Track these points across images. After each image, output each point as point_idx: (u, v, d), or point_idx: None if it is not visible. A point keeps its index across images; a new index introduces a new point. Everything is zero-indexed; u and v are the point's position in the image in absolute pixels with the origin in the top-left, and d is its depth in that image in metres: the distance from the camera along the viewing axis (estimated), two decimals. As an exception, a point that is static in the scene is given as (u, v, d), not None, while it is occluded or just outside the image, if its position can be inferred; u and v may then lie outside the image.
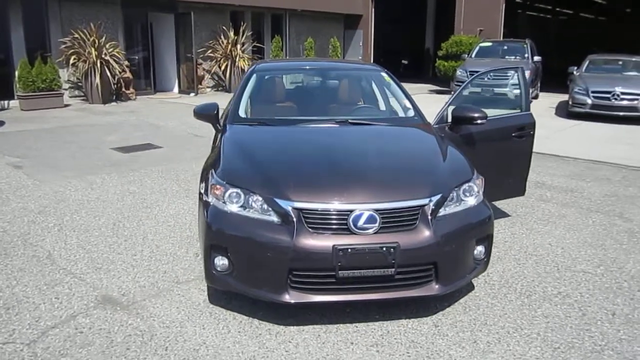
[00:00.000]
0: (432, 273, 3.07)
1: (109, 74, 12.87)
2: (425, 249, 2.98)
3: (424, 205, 3.06)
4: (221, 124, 4.19)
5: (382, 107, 4.60)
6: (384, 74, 4.83)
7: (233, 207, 3.09)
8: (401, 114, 4.39)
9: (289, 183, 3.09)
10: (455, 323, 3.21)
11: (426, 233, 3.00)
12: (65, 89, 13.02)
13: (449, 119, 4.41)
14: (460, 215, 3.17)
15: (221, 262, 3.10)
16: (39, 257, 4.09)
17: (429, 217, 3.04)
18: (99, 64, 12.66)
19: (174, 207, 5.39)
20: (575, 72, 12.55)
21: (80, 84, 13.40)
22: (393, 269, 2.94)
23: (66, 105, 12.56)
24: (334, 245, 2.88)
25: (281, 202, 2.99)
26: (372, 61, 20.63)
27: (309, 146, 3.70)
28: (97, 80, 12.72)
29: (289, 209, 2.97)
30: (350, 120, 4.05)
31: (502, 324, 3.21)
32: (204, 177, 3.44)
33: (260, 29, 17.70)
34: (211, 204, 3.18)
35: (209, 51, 15.93)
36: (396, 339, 3.03)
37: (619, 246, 4.51)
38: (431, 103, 11.66)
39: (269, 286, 2.99)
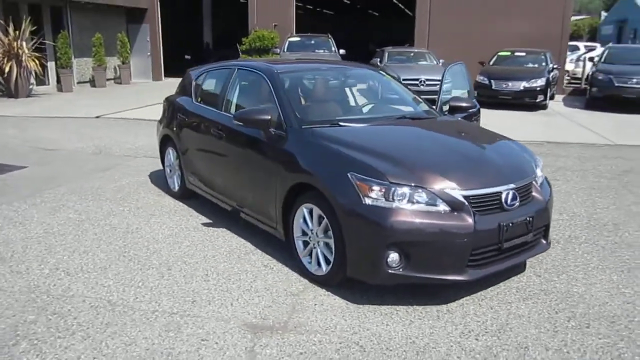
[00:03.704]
0: (542, 233, 3.75)
1: None
2: (544, 214, 3.65)
3: (533, 180, 3.70)
4: (274, 129, 4.01)
5: (404, 102, 4.99)
6: (382, 72, 5.22)
7: (402, 204, 3.21)
8: (415, 107, 4.85)
9: (452, 176, 3.36)
10: (547, 270, 3.96)
11: (542, 201, 3.66)
12: None
13: (444, 109, 5.09)
14: (543, 185, 3.91)
15: (394, 258, 3.22)
16: (105, 307, 3.38)
17: (539, 188, 3.71)
18: None
19: (159, 227, 4.83)
20: (379, 63, 14.44)
21: None
22: (531, 234, 3.53)
23: None
24: (499, 223, 3.31)
25: (452, 193, 3.27)
26: (162, 57, 19.79)
27: (422, 142, 4.00)
28: None
29: (459, 197, 3.26)
30: (407, 117, 4.42)
31: (575, 264, 4.09)
32: (340, 182, 3.39)
33: (40, 24, 15.31)
34: (370, 204, 3.23)
35: (-15, 50, 13.23)
36: (527, 292, 3.62)
37: (555, 196, 5.85)
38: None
39: (452, 269, 3.25)
